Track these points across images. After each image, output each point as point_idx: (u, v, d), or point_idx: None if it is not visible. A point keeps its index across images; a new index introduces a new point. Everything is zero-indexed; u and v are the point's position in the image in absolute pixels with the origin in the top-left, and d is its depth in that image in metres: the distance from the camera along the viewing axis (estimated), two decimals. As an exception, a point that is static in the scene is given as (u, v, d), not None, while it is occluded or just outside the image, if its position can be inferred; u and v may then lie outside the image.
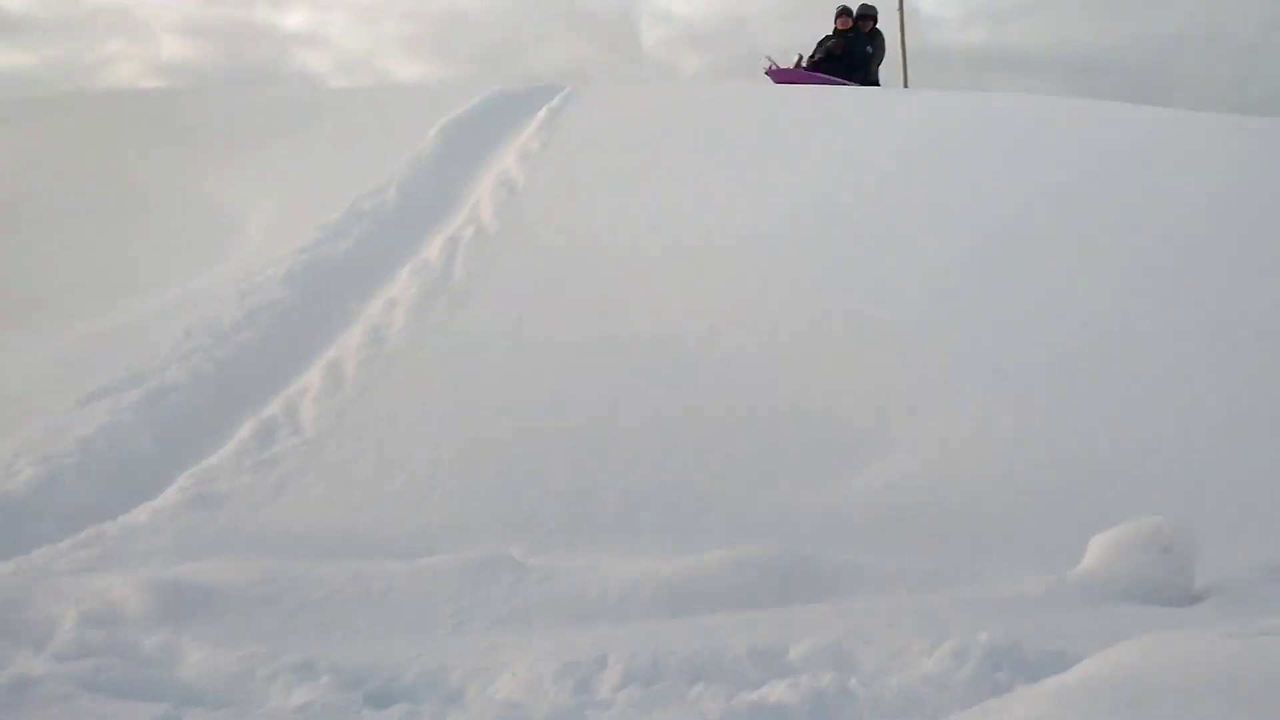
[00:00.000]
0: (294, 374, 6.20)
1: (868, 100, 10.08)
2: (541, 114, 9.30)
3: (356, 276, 7.22)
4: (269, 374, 6.24)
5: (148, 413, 5.69)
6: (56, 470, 5.19)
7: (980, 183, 7.32)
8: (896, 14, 11.59)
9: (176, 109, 10.72)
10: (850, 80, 10.89)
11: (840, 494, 4.75)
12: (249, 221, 8.35)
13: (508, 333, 6.28)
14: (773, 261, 6.50)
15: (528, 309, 6.51)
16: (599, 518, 4.42)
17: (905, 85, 11.85)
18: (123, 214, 8.33)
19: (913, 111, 9.35)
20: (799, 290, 6.10)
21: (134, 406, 5.72)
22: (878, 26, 11.91)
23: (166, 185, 8.75)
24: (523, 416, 5.30)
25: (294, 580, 3.73)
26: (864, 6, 11.82)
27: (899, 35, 11.67)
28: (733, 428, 5.00)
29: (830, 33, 11.67)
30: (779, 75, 11.23)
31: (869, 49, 11.20)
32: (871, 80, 11.54)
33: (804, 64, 11.33)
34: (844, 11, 11.51)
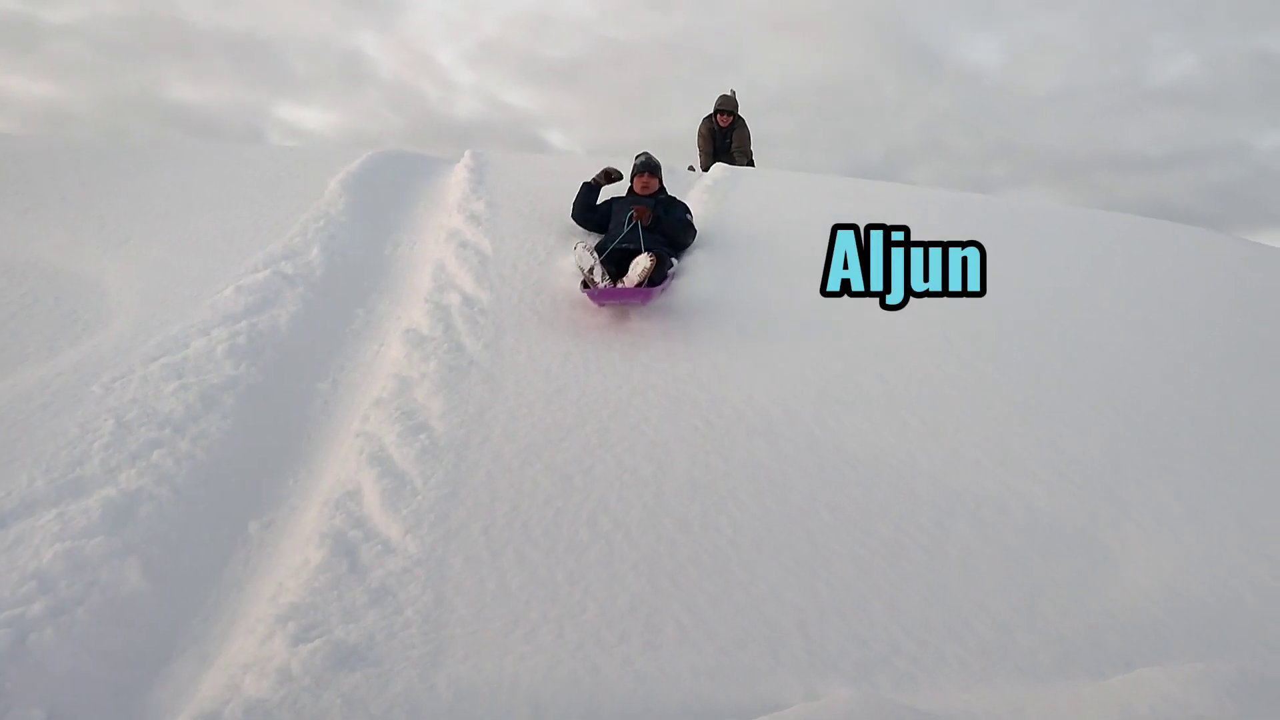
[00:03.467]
0: (306, 473, 4.57)
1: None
2: (463, 175, 8.00)
3: (315, 350, 5.60)
4: (264, 473, 4.55)
5: (119, 536, 3.87)
6: (19, 633, 3.32)
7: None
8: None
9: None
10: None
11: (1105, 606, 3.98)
12: (104, 288, 6.39)
13: (560, 417, 5.02)
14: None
15: (566, 382, 5.27)
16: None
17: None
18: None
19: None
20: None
21: (94, 527, 3.88)
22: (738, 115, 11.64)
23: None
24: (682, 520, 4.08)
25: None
26: (723, 100, 11.54)
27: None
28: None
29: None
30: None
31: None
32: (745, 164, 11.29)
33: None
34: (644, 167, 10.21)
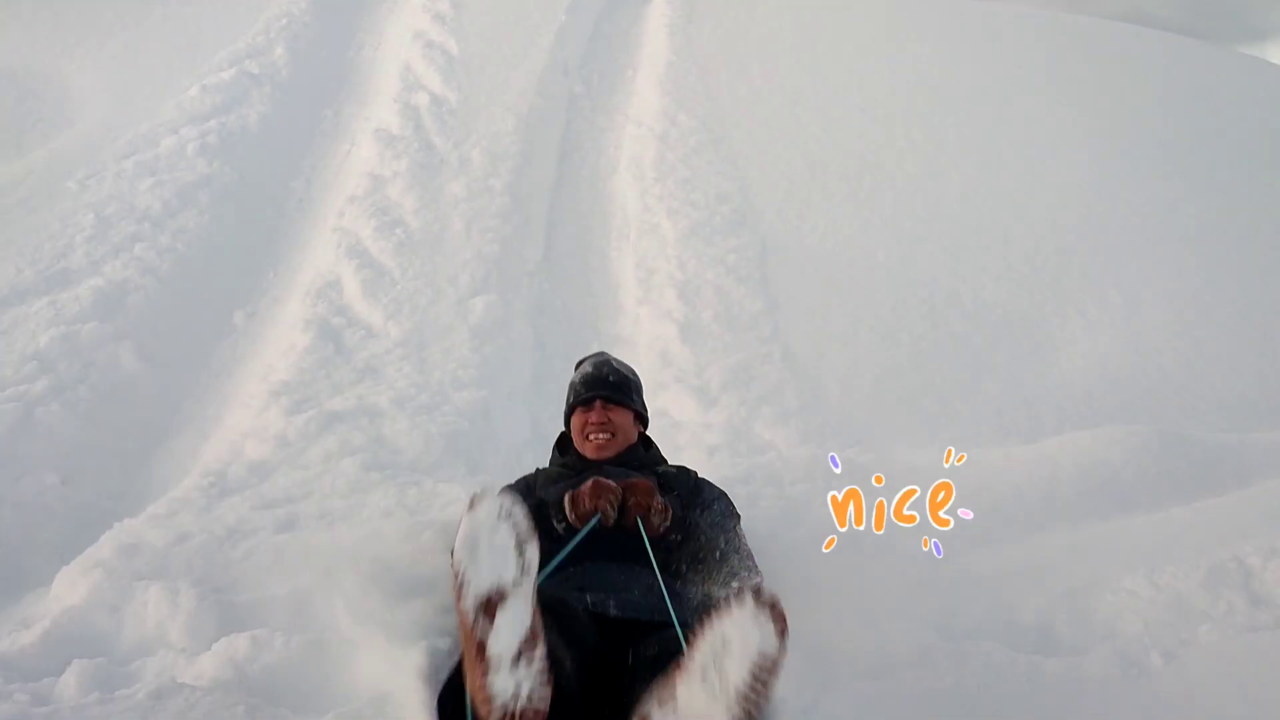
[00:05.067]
0: (285, 266, 4.71)
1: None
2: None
3: (286, 150, 5.65)
4: (244, 266, 4.70)
5: (111, 322, 4.03)
6: (25, 406, 3.52)
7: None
8: None
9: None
10: None
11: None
12: (65, 87, 6.32)
13: (527, 207, 5.16)
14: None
15: (531, 183, 5.39)
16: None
17: None
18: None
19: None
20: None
21: (86, 313, 4.03)
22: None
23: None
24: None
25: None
26: None
27: None
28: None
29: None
30: None
31: None
32: None
33: None
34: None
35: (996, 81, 6.76)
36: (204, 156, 5.26)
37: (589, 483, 2.26)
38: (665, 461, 2.66)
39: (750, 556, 2.28)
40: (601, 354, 2.76)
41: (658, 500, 2.28)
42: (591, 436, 2.54)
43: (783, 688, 1.73)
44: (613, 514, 2.20)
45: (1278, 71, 8.73)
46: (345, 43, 6.93)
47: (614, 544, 2.22)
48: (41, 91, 6.23)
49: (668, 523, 2.28)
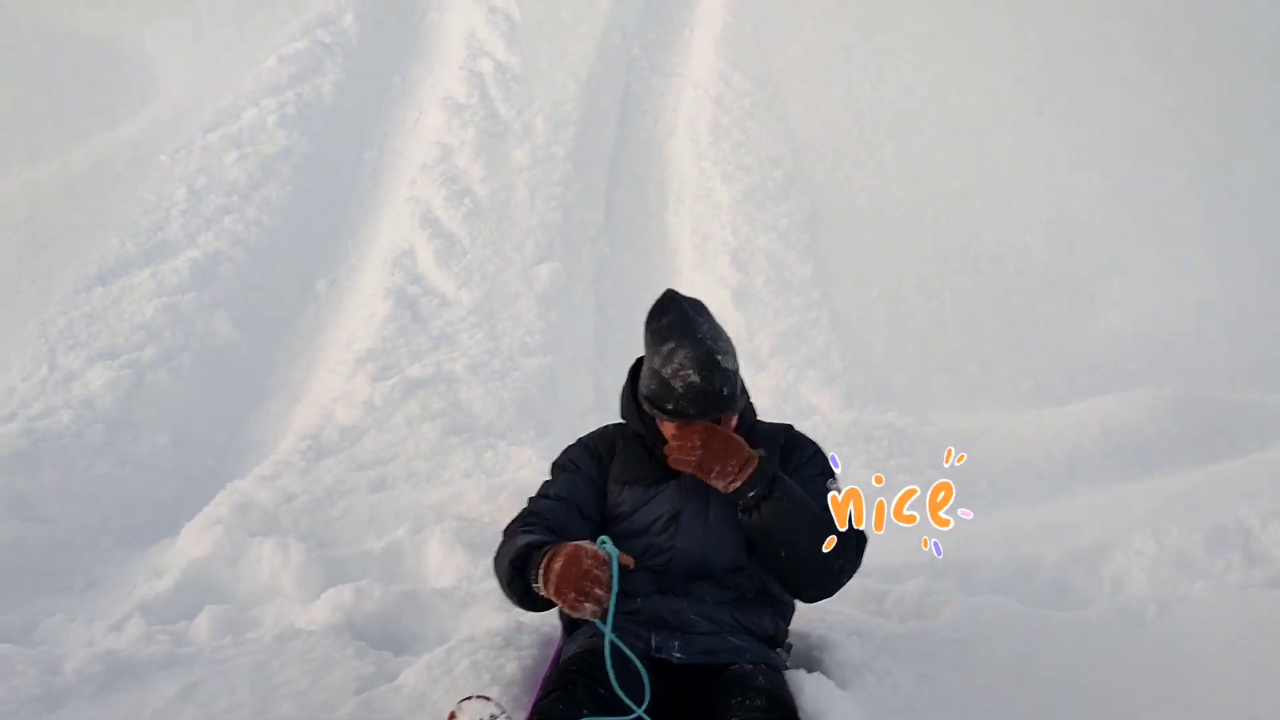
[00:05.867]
0: (363, 235, 5.04)
1: None
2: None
3: (358, 119, 5.94)
4: (325, 235, 5.03)
5: (208, 292, 4.40)
6: (138, 372, 3.90)
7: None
8: None
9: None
10: None
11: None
12: (148, 58, 6.65)
13: (588, 173, 5.41)
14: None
15: (592, 148, 5.63)
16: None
17: None
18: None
19: None
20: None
21: (185, 284, 4.40)
22: None
23: (18, 19, 6.80)
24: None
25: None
26: None
27: None
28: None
29: None
30: None
31: None
32: None
33: None
34: None
35: (1045, 39, 6.79)
36: (283, 128, 5.58)
37: (559, 566, 1.83)
38: (755, 414, 2.28)
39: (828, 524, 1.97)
40: (699, 341, 2.08)
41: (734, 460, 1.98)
42: (680, 454, 2.05)
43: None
44: (599, 612, 1.81)
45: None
46: (411, 7, 7.16)
47: (683, 562, 2.05)
48: (129, 62, 6.58)
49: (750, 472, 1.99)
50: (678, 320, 2.14)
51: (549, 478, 2.20)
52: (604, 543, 1.84)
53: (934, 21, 6.72)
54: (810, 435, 2.36)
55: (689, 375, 2.06)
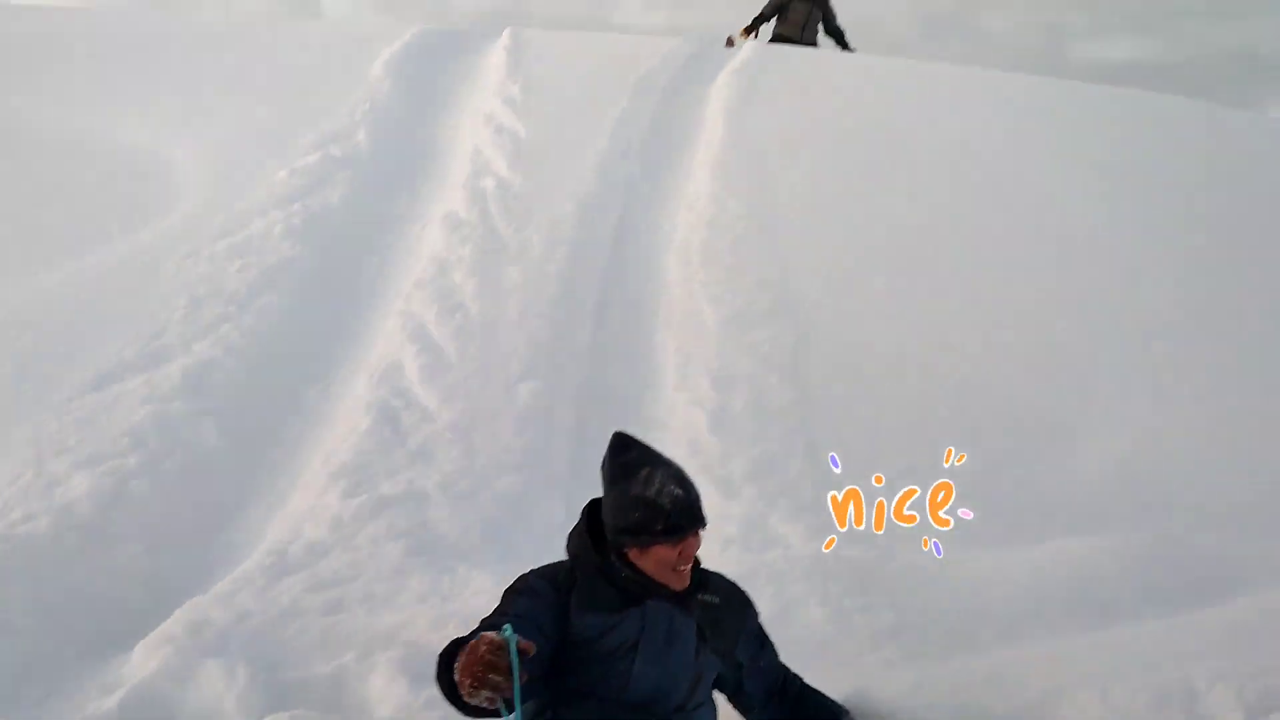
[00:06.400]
0: (356, 346, 5.14)
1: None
2: (501, 57, 8.30)
3: (363, 232, 6.12)
4: (318, 346, 5.14)
5: (197, 400, 4.49)
6: (120, 479, 3.97)
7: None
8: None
9: (55, 33, 8.80)
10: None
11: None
12: (172, 167, 6.90)
13: (580, 291, 5.52)
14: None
15: (586, 266, 5.76)
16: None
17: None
18: (12, 159, 6.66)
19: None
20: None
21: (176, 391, 4.49)
22: None
23: (63, 126, 7.09)
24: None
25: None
26: None
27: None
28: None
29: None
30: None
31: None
32: (808, 41, 10.95)
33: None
34: None
35: (1044, 166, 6.95)
36: (289, 239, 5.75)
37: (462, 656, 1.86)
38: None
39: None
40: (668, 463, 2.32)
41: None
42: (682, 569, 2.24)
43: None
44: (497, 699, 1.83)
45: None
46: (423, 125, 7.42)
47: (637, 691, 2.14)
48: (155, 171, 6.82)
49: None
50: (643, 451, 2.38)
51: (500, 604, 2.24)
52: (504, 630, 1.85)
53: (931, 156, 6.89)
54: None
55: (674, 490, 2.24)
